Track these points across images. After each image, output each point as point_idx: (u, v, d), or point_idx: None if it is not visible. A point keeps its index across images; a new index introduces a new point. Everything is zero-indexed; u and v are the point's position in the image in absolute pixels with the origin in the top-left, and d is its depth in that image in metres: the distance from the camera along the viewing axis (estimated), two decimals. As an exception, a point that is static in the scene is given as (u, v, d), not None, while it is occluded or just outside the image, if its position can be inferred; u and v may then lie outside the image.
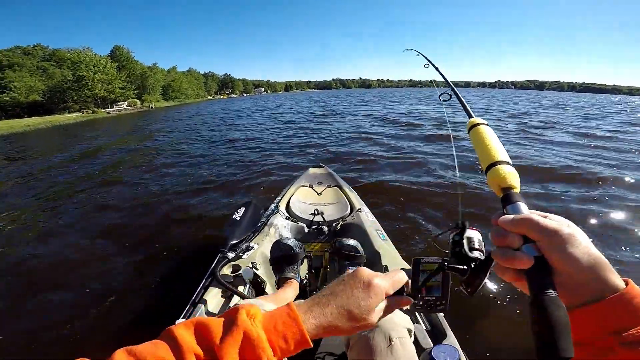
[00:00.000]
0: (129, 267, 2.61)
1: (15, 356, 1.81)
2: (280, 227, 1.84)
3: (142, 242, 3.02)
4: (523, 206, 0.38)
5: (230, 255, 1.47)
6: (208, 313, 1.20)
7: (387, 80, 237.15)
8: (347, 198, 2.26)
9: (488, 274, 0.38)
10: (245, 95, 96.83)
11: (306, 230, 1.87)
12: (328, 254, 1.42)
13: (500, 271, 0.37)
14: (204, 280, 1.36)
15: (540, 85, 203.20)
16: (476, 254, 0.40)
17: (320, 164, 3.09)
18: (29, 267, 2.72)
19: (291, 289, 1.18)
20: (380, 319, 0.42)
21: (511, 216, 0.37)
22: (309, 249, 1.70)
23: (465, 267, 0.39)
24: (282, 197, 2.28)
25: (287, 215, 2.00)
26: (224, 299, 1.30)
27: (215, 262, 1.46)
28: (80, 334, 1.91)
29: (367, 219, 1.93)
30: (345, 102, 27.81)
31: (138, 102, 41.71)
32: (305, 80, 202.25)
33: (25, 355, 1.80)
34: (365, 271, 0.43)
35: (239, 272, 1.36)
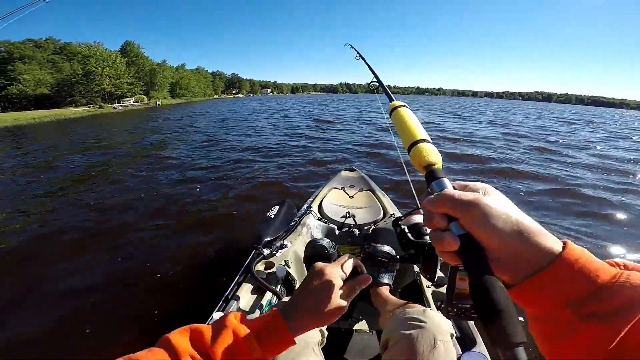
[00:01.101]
0: (169, 260, 2.65)
1: (55, 348, 1.84)
2: (312, 227, 1.85)
3: (180, 236, 3.10)
4: (446, 181, 0.37)
5: (266, 252, 1.47)
6: (240, 309, 1.19)
7: (395, 86, 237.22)
8: (379, 203, 2.21)
9: (439, 258, 0.35)
10: (251, 95, 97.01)
11: (337, 232, 1.85)
12: (360, 260, 1.33)
13: (441, 255, 0.34)
14: (238, 276, 1.36)
15: (547, 97, 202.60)
16: (426, 239, 0.37)
17: (353, 167, 3.01)
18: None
19: None
20: (348, 301, 0.48)
21: (431, 196, 0.35)
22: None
23: (415, 254, 0.35)
24: (314, 198, 2.29)
25: (319, 216, 2.00)
26: (256, 296, 1.30)
27: (250, 258, 1.44)
28: (114, 328, 1.96)
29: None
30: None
31: (145, 98, 41.73)
32: (312, 83, 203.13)
33: (70, 346, 1.85)
34: (318, 265, 0.50)
35: (273, 269, 1.37)
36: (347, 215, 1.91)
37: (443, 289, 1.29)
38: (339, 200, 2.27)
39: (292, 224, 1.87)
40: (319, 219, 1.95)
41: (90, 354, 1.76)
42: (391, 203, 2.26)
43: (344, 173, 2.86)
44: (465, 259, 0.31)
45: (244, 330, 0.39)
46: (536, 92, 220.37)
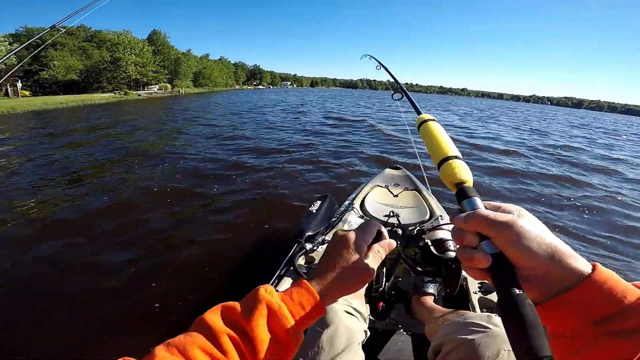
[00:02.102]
0: (207, 251, 2.66)
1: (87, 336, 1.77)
2: (353, 224, 1.79)
3: (220, 229, 3.05)
4: (478, 201, 0.37)
5: (308, 246, 1.45)
6: None
7: (417, 84, 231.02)
8: (426, 203, 2.10)
9: (462, 272, 0.37)
10: (271, 87, 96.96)
11: None
12: (404, 266, 1.37)
13: (468, 270, 0.36)
14: (280, 269, 1.35)
15: (578, 104, 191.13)
16: (449, 254, 0.40)
17: (398, 165, 2.86)
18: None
19: None
20: (376, 265, 0.46)
21: (463, 214, 0.36)
22: None
23: (438, 269, 0.38)
24: (356, 195, 2.24)
25: (360, 213, 1.95)
26: None
27: (292, 251, 1.43)
28: (144, 322, 1.89)
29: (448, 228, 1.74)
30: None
31: (169, 86, 42.07)
32: (332, 78, 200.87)
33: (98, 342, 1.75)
34: (339, 232, 0.49)
35: (313, 263, 1.38)
36: (391, 214, 1.75)
37: (491, 296, 1.20)
38: (383, 199, 2.17)
39: (333, 219, 1.84)
40: (361, 216, 1.89)
41: (118, 350, 1.63)
42: (439, 205, 2.12)
43: (388, 171, 2.74)
44: (497, 276, 0.32)
45: (277, 303, 0.39)
46: (566, 97, 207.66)
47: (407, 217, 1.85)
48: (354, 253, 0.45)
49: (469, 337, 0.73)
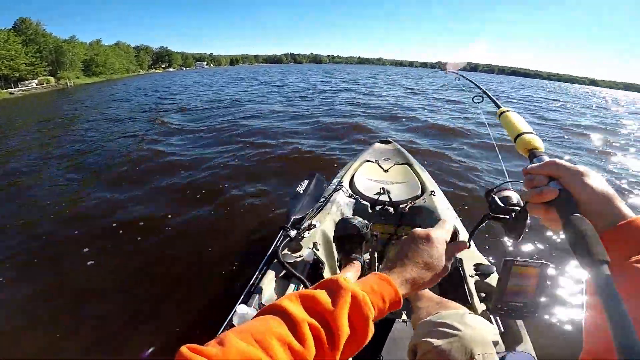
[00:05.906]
0: (184, 246, 2.53)
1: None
2: (343, 205, 1.76)
3: (198, 218, 2.93)
4: (546, 157, 0.47)
5: (293, 233, 1.37)
6: (262, 303, 1.08)
7: (338, 56, 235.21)
8: (418, 178, 2.08)
9: (528, 220, 0.47)
10: (184, 69, 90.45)
11: (370, 210, 1.76)
12: (392, 243, 1.54)
13: (533, 210, 0.43)
14: (263, 262, 1.26)
15: (523, 74, 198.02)
16: (515, 206, 0.51)
17: (389, 138, 2.83)
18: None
19: (353, 270, 1.18)
20: (450, 263, 0.47)
21: (538, 163, 0.46)
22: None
23: (507, 217, 0.49)
24: (345, 172, 2.17)
25: (350, 192, 1.90)
26: (281, 283, 1.19)
27: (276, 241, 1.37)
28: (119, 328, 1.78)
29: (441, 203, 1.78)
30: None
31: (52, 79, 37.31)
32: (254, 54, 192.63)
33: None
34: (419, 229, 0.49)
35: (300, 252, 1.32)
36: (382, 191, 1.78)
37: (489, 279, 1.16)
38: (373, 175, 2.11)
39: (321, 201, 1.75)
40: (350, 196, 1.84)
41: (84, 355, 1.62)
42: (430, 179, 2.09)
43: (377, 145, 2.66)
44: (561, 205, 0.39)
45: (361, 293, 0.38)
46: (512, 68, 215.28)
47: (398, 193, 1.80)
48: (436, 250, 0.46)
49: (438, 342, 0.68)
